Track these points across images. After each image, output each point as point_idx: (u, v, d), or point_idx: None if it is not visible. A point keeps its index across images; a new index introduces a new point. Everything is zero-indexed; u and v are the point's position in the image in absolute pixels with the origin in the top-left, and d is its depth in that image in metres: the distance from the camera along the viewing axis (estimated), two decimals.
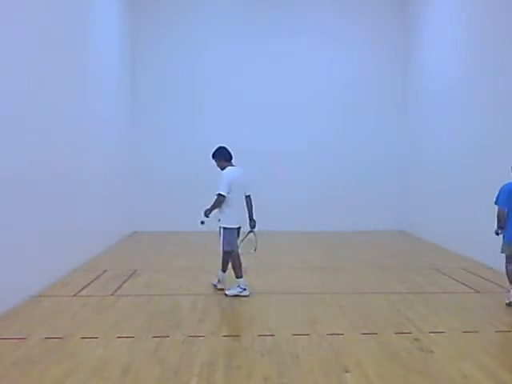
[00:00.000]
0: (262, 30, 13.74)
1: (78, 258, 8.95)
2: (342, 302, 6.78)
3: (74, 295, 7.08)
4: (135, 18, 13.50)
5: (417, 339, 5.30)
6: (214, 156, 7.32)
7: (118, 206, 12.04)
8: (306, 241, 12.21)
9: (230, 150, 7.36)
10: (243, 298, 6.95)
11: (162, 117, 13.69)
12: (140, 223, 13.36)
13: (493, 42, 9.27)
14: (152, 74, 13.67)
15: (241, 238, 7.27)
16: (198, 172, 13.53)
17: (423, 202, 12.58)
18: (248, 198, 7.39)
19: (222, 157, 7.26)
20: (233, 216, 7.10)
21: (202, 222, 7.04)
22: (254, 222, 7.33)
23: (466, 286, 7.71)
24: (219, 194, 7.02)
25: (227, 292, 7.08)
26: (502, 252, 6.72)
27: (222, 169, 7.24)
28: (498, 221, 6.59)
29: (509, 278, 6.68)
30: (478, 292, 7.37)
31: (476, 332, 5.66)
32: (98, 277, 8.16)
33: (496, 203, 6.68)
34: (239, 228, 7.24)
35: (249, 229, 7.32)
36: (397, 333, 5.50)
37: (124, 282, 7.85)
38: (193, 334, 5.46)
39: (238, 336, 5.42)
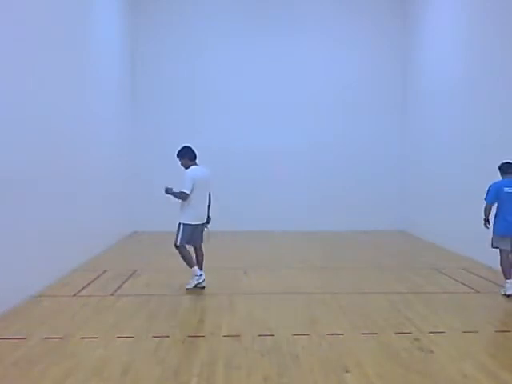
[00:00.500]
0: (262, 30, 13.74)
1: (77, 258, 8.95)
2: (342, 302, 6.78)
3: (74, 295, 7.08)
4: (135, 18, 13.50)
5: (417, 339, 5.29)
6: (178, 155, 7.51)
7: (117, 206, 12.04)
8: (306, 241, 12.21)
9: (194, 149, 7.57)
10: (244, 298, 6.95)
11: (162, 117, 13.69)
12: (140, 223, 13.36)
13: (493, 42, 9.27)
14: (152, 74, 13.67)
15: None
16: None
17: (423, 202, 12.59)
18: (208, 196, 7.83)
19: (187, 156, 7.47)
20: (193, 213, 7.41)
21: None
22: (210, 218, 7.86)
23: (466, 286, 7.71)
24: (183, 192, 7.26)
25: (188, 286, 7.35)
26: (493, 247, 7.24)
27: (187, 168, 7.44)
28: (485, 214, 7.26)
29: (504, 271, 7.11)
30: (478, 292, 7.37)
31: (476, 332, 5.66)
32: (97, 277, 8.16)
33: (485, 199, 7.28)
34: (202, 224, 7.65)
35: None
36: (397, 333, 5.50)
37: (124, 282, 7.85)
38: (193, 334, 5.46)
39: (238, 336, 5.42)
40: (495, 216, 7.19)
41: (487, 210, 7.23)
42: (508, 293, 6.99)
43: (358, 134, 13.87)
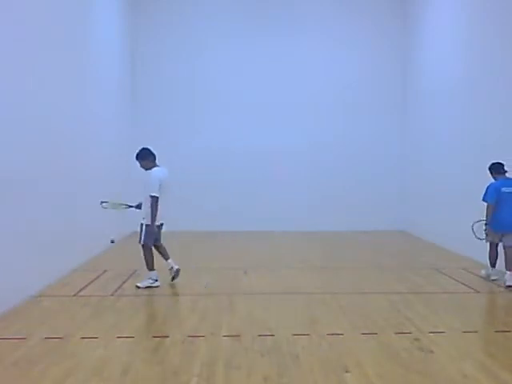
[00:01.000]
0: (262, 30, 13.74)
1: (78, 258, 8.95)
2: (342, 301, 6.78)
3: (74, 295, 7.08)
4: (135, 18, 13.50)
5: (417, 339, 5.29)
6: (138, 158, 7.59)
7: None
8: (306, 241, 12.21)
9: (153, 150, 7.66)
10: (244, 298, 6.95)
11: (162, 117, 13.69)
12: (139, 223, 13.32)
13: (493, 42, 9.27)
14: (152, 74, 13.67)
15: (121, 205, 7.74)
16: (197, 172, 13.57)
17: (423, 202, 12.58)
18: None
19: (148, 158, 7.56)
20: (157, 214, 7.44)
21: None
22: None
23: (466, 286, 7.70)
24: (153, 196, 7.32)
25: (139, 284, 7.44)
26: (486, 241, 7.88)
27: (147, 169, 7.53)
28: (487, 216, 7.76)
29: (491, 261, 7.89)
30: (478, 292, 7.37)
31: (476, 332, 5.67)
32: (97, 277, 8.16)
33: (485, 200, 7.77)
34: (161, 224, 7.71)
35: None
36: (397, 333, 5.50)
37: (124, 282, 7.84)
38: (193, 334, 5.46)
39: (238, 336, 5.41)
40: (495, 213, 7.70)
41: (490, 210, 7.71)
42: (492, 277, 7.87)
43: (358, 134, 13.87)
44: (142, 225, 7.51)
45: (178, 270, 7.73)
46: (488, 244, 7.96)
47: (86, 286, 7.58)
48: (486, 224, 7.80)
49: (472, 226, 8.08)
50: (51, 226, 7.61)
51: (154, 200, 7.30)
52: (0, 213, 6.10)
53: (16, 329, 5.58)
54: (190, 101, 13.64)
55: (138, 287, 7.41)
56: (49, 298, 6.88)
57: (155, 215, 7.35)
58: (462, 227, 10.02)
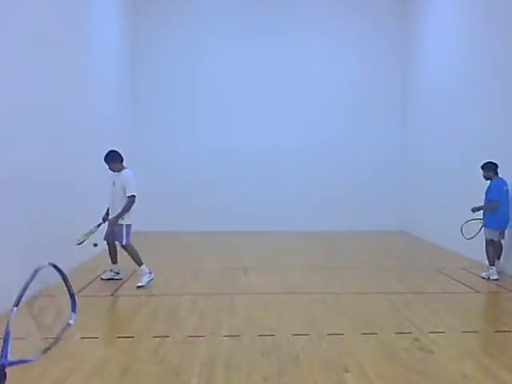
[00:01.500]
0: (261, 30, 13.75)
1: (77, 258, 8.95)
2: (342, 302, 6.78)
3: None
4: (135, 18, 13.50)
5: (417, 339, 5.29)
6: (108, 160, 7.73)
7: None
8: (306, 241, 12.21)
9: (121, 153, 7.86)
10: (244, 298, 6.95)
11: (162, 117, 13.69)
12: (139, 223, 13.31)
13: (493, 42, 9.27)
14: (152, 74, 13.67)
15: (92, 230, 7.80)
16: (197, 172, 13.57)
17: (423, 202, 12.58)
18: None
19: (117, 160, 7.74)
20: (132, 214, 7.73)
21: (95, 245, 7.68)
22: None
23: (466, 286, 7.70)
24: (133, 196, 7.55)
25: (140, 284, 7.48)
26: (488, 239, 7.99)
27: (118, 171, 7.69)
28: (488, 209, 7.99)
29: (492, 259, 7.96)
30: (478, 292, 7.37)
31: (476, 332, 5.67)
32: (97, 277, 8.16)
33: (496, 199, 7.92)
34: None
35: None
36: (397, 333, 5.50)
37: (124, 282, 7.84)
38: (193, 334, 5.46)
39: (238, 336, 5.41)
40: (494, 212, 7.95)
41: (494, 208, 7.93)
42: (492, 277, 7.89)
43: (358, 134, 13.87)
44: (122, 226, 7.59)
45: (109, 279, 7.89)
46: (484, 243, 8.10)
47: (86, 286, 7.58)
48: (479, 209, 8.09)
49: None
50: (51, 225, 7.60)
51: (133, 199, 7.55)
52: (0, 213, 6.10)
53: None
54: (190, 101, 13.64)
55: (141, 286, 7.43)
56: (49, 298, 6.87)
57: (124, 213, 7.54)
58: None
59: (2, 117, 6.17)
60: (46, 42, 7.59)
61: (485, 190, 8.20)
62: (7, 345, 1.82)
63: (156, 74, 13.69)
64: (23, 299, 1.93)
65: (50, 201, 7.65)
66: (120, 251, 7.93)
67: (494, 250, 8.03)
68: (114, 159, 7.71)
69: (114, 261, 7.99)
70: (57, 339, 1.96)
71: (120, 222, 7.58)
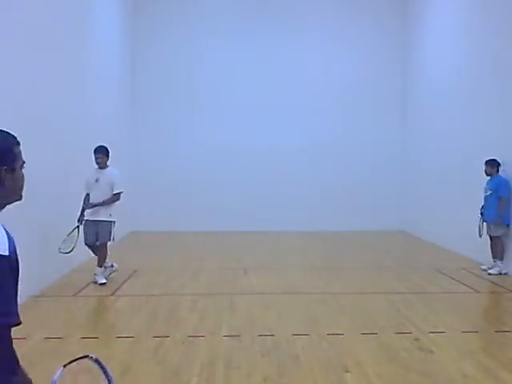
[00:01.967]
0: (262, 30, 13.74)
1: (77, 258, 8.94)
2: (342, 302, 6.78)
3: (74, 295, 7.07)
4: (135, 18, 13.49)
5: (417, 339, 5.29)
6: (101, 152, 7.60)
7: (117, 206, 12.01)
8: (306, 241, 12.20)
9: None
10: (244, 298, 6.95)
11: (162, 117, 13.69)
12: (139, 223, 13.36)
13: (493, 42, 9.27)
14: (152, 74, 13.67)
15: (73, 234, 7.73)
16: (197, 172, 13.57)
17: (423, 202, 12.58)
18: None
19: (107, 155, 7.66)
20: (116, 211, 7.80)
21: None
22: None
23: (466, 286, 7.70)
24: (121, 192, 7.61)
25: (102, 281, 7.49)
26: (495, 233, 8.28)
27: (103, 167, 7.64)
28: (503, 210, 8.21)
29: (501, 255, 8.26)
30: (478, 292, 7.37)
31: (476, 332, 5.67)
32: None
33: (503, 195, 8.19)
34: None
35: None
36: (397, 333, 5.50)
37: (124, 282, 7.84)
38: (193, 334, 5.46)
39: (238, 336, 5.42)
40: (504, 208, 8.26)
41: (506, 204, 8.22)
42: (503, 272, 8.20)
43: (358, 134, 13.86)
44: (110, 223, 7.55)
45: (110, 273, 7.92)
46: (492, 238, 8.37)
47: (86, 285, 7.58)
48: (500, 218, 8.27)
49: (492, 224, 8.37)
50: (51, 225, 7.60)
51: (119, 196, 7.60)
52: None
53: (16, 329, 5.57)
54: (190, 101, 13.64)
55: (103, 284, 7.43)
56: (49, 298, 6.88)
57: (109, 204, 7.57)
58: (461, 227, 10.05)
59: (2, 117, 6.17)
60: (46, 41, 7.58)
61: (484, 186, 8.51)
62: None
63: (156, 74, 13.68)
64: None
65: (50, 200, 7.65)
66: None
67: (502, 245, 8.33)
68: (105, 153, 7.64)
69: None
70: None
71: (109, 218, 7.52)
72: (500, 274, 8.18)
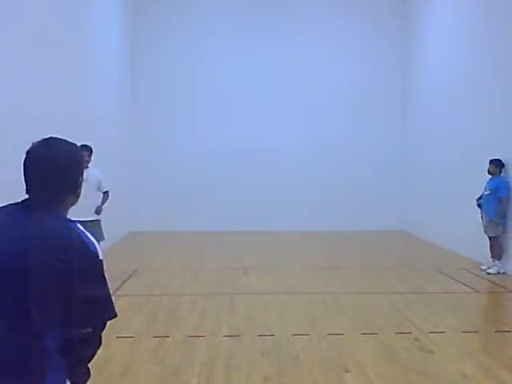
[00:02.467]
0: (262, 30, 13.74)
1: None
2: (342, 301, 6.78)
3: None
4: (135, 18, 13.50)
5: (417, 339, 5.29)
6: (88, 150, 7.32)
7: (117, 206, 12.02)
8: (306, 241, 12.20)
9: None
10: (244, 298, 6.95)
11: (162, 117, 13.69)
12: (139, 223, 13.36)
13: (493, 42, 9.27)
14: (152, 74, 13.67)
15: None
16: (197, 172, 13.56)
17: (423, 202, 12.58)
18: None
19: (92, 155, 7.50)
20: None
21: None
22: None
23: (466, 285, 7.70)
24: (108, 191, 7.58)
25: None
26: (497, 233, 8.32)
27: (86, 166, 7.41)
28: (503, 211, 8.29)
29: (500, 254, 8.35)
30: (478, 292, 7.37)
31: (476, 332, 5.67)
32: None
33: (502, 197, 8.23)
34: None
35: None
36: (397, 333, 5.50)
37: (124, 282, 7.84)
38: (193, 334, 5.46)
39: (238, 336, 5.42)
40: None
41: (507, 205, 8.31)
42: (493, 272, 8.29)
43: (358, 134, 13.86)
44: (99, 221, 7.45)
45: None
46: (490, 239, 8.42)
47: None
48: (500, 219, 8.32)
49: (488, 223, 8.42)
50: None
51: (108, 194, 7.58)
52: None
53: None
54: (190, 101, 13.63)
55: None
56: None
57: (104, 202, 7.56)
58: (461, 227, 10.06)
59: (2, 117, 6.17)
60: (46, 42, 7.59)
61: (484, 185, 8.54)
62: None
63: (156, 74, 13.68)
64: None
65: None
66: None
67: (499, 245, 8.39)
68: (91, 152, 7.44)
69: None
70: None
71: (96, 217, 7.39)
72: (498, 273, 8.21)
